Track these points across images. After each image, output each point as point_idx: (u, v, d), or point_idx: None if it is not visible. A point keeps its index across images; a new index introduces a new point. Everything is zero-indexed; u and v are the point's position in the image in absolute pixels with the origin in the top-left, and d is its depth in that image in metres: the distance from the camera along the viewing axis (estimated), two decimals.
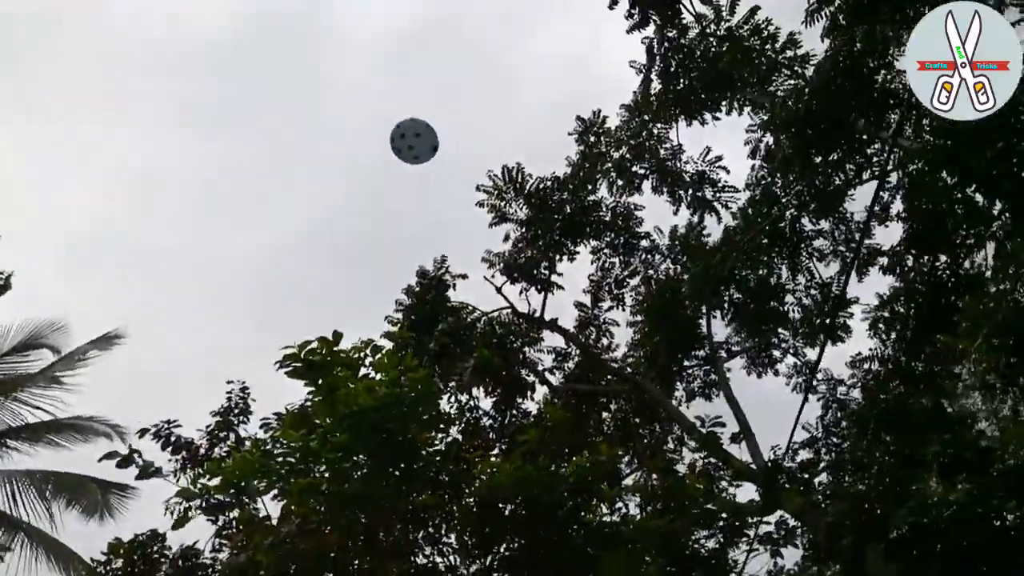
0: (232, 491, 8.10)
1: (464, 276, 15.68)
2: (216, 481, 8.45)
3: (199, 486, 7.59)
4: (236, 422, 12.52)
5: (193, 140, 37.06)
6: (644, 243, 17.22)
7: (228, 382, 12.71)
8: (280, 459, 7.95)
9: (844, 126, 11.56)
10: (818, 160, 13.12)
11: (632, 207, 17.04)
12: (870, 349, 13.81)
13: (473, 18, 37.97)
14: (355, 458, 8.36)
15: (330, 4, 36.51)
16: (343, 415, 7.75)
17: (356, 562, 8.94)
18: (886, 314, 12.59)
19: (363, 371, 8.59)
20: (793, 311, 16.02)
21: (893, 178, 13.82)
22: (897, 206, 14.21)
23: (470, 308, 15.85)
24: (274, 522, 9.18)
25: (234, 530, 10.17)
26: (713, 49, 15.26)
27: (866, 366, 14.38)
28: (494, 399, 15.13)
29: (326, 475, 8.55)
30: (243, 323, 33.91)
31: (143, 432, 11.80)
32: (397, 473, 8.70)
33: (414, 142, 9.14)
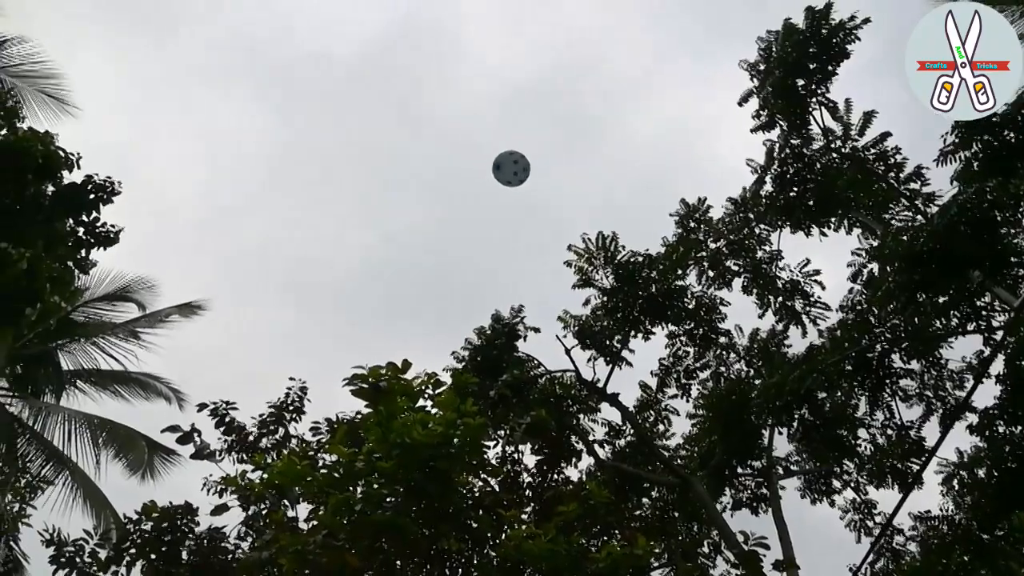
0: (273, 492, 8.23)
1: (537, 330, 15.71)
2: (258, 475, 8.63)
3: (244, 480, 7.76)
4: (288, 418, 12.78)
5: (303, 137, 38.79)
6: (722, 339, 16.93)
7: (290, 378, 13.00)
8: (324, 471, 8.06)
9: (958, 273, 11.15)
10: (921, 299, 12.68)
11: (718, 300, 16.86)
12: (940, 508, 13.09)
13: (590, 85, 38.83)
14: (395, 487, 8.38)
15: (462, 43, 37.94)
16: (394, 443, 7.81)
17: None
18: (964, 475, 11.90)
19: (421, 402, 8.69)
20: (864, 446, 15.36)
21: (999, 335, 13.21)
22: (998, 366, 13.55)
23: (535, 362, 15.84)
24: (301, 525, 9.29)
25: (262, 523, 10.30)
26: (834, 165, 15.13)
27: (932, 523, 13.62)
28: (539, 458, 14.96)
29: (361, 496, 8.60)
30: (313, 318, 34.93)
31: (202, 406, 12.15)
32: (430, 512, 8.69)
33: (513, 168, 11.36)
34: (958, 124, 10.95)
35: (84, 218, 12.68)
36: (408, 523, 8.46)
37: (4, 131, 12.13)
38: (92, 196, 12.46)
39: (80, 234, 12.83)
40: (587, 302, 15.96)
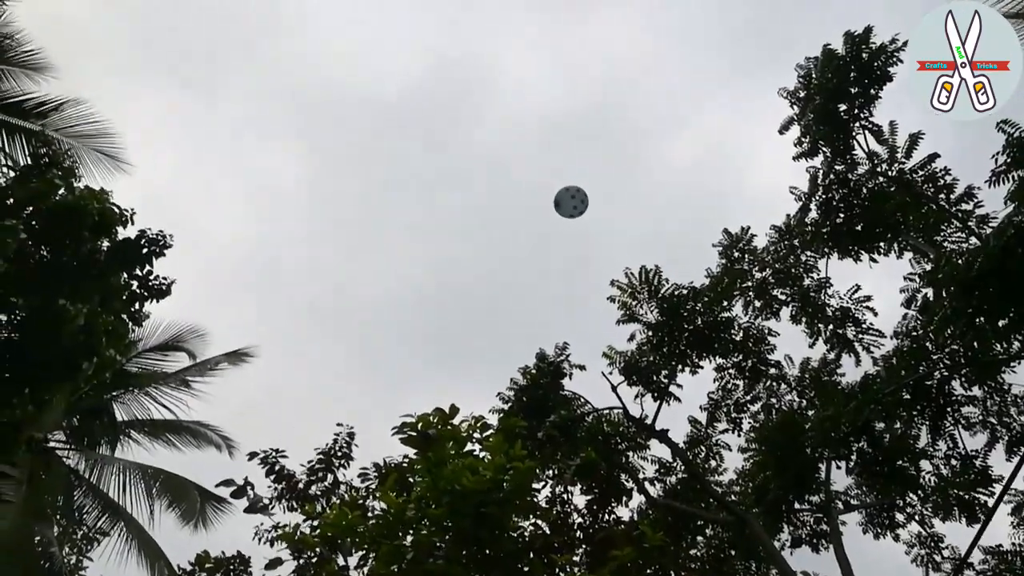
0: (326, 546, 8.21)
1: (582, 367, 15.60)
2: (307, 526, 8.61)
3: (298, 535, 7.75)
4: (337, 465, 12.80)
5: (345, 176, 39.51)
6: (772, 371, 16.56)
7: (338, 424, 13.05)
8: (374, 521, 8.01)
9: (1018, 296, 10.73)
10: (980, 323, 12.23)
11: (766, 331, 16.53)
12: (1011, 540, 12.47)
13: (629, 114, 38.96)
14: (445, 535, 8.29)
15: (500, 77, 38.51)
16: (444, 491, 7.73)
17: None
18: None
19: (469, 446, 8.62)
20: (928, 477, 14.77)
21: None
22: None
23: (582, 400, 15.66)
24: (352, 574, 9.22)
25: (313, 572, 10.26)
26: (881, 189, 14.82)
27: (1005, 556, 12.97)
28: (588, 498, 14.71)
29: (411, 544, 8.51)
30: (359, 356, 35.22)
31: (252, 455, 12.26)
32: (481, 558, 8.56)
33: (572, 203, 12.13)
34: (1010, 143, 10.63)
35: (138, 272, 13.01)
36: (460, 572, 8.34)
37: (62, 190, 12.57)
38: (145, 250, 12.81)
39: (134, 287, 13.16)
40: (632, 337, 15.81)
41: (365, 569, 8.98)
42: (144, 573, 14.87)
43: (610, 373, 15.45)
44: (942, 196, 14.51)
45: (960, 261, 11.11)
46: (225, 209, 36.61)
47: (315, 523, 8.37)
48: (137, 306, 13.35)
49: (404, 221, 38.80)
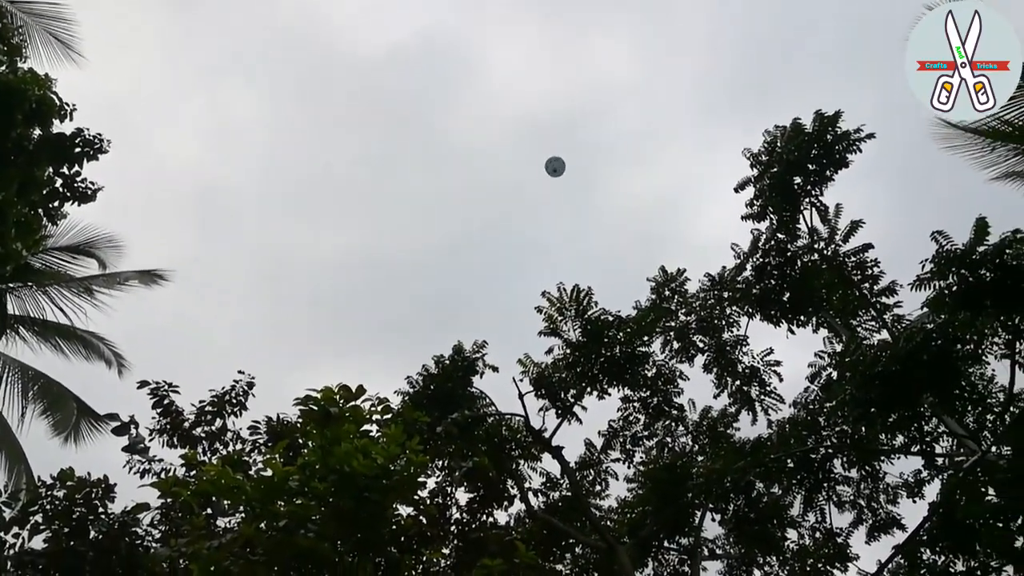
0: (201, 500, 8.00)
1: (495, 369, 15.66)
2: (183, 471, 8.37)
3: (173, 489, 7.50)
4: (229, 411, 12.47)
5: (313, 136, 38.34)
6: (674, 412, 17.00)
7: (239, 371, 12.71)
8: (253, 484, 7.85)
9: (913, 397, 11.35)
10: (872, 413, 12.89)
11: (678, 373, 16.95)
12: None
13: (600, 132, 39.16)
14: (322, 510, 8.20)
15: (480, 67, 38.09)
16: (333, 468, 7.65)
17: None
18: None
19: (366, 427, 8.55)
20: (791, 545, 15.50)
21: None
22: (935, 489, 13.84)
23: (487, 400, 15.73)
24: (220, 523, 9.02)
25: (180, 515, 9.99)
26: (814, 265, 15.43)
27: None
28: (471, 496, 14.84)
29: (287, 512, 8.39)
30: (280, 314, 34.46)
31: (143, 384, 11.84)
32: (353, 539, 8.51)
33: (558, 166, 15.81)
34: (939, 254, 11.17)
35: (65, 170, 12.31)
36: (329, 551, 8.27)
37: (3, 67, 11.78)
38: (78, 150, 12.12)
39: (58, 185, 12.46)
40: (550, 351, 15.95)
41: (232, 522, 8.81)
42: (1, 474, 14.23)
43: (521, 380, 15.57)
44: (866, 285, 15.21)
45: (869, 353, 11.66)
46: (182, 135, 34.88)
47: (192, 471, 8.14)
48: (57, 204, 12.62)
49: (362, 191, 37.97)
